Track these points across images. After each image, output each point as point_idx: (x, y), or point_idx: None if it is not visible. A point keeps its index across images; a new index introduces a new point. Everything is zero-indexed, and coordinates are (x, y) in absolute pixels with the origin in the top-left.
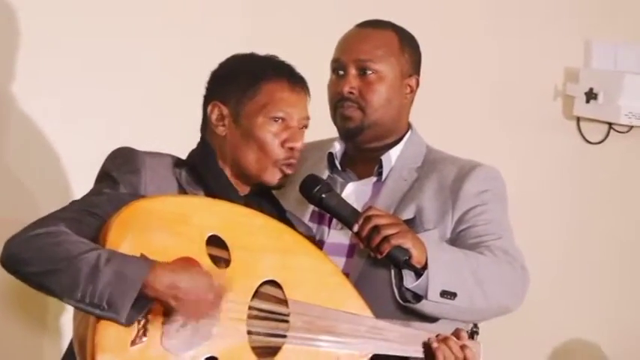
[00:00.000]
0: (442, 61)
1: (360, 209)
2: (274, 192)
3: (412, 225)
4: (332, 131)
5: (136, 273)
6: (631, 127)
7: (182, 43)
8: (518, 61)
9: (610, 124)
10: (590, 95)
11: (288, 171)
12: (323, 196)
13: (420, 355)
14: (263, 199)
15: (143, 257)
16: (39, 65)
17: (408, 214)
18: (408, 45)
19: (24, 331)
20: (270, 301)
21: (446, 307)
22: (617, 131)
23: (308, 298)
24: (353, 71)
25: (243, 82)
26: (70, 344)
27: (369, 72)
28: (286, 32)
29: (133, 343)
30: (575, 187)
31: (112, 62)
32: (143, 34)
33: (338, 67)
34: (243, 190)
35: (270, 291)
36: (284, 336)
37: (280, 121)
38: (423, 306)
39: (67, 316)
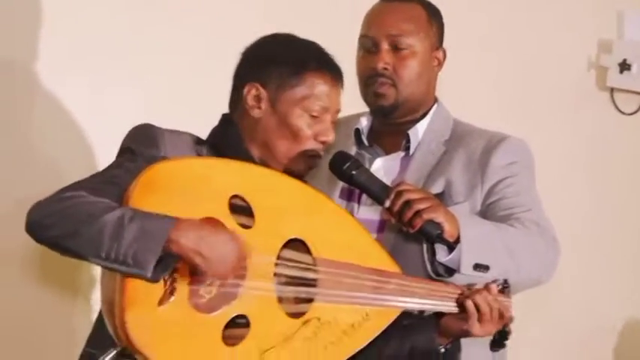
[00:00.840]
0: (475, 34)
1: (389, 184)
2: None
3: (442, 199)
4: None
5: (160, 229)
6: None
7: (212, 24)
8: (552, 33)
9: None
10: (624, 66)
11: (314, 163)
12: (353, 172)
13: (452, 309)
14: None
15: (166, 214)
16: (63, 43)
17: (437, 188)
18: (434, 17)
19: (55, 302)
20: (297, 261)
21: (478, 280)
22: None
23: (334, 255)
24: (385, 47)
25: (287, 68)
26: (100, 313)
27: (402, 47)
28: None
29: (161, 302)
30: (609, 157)
31: (138, 41)
32: (170, 14)
33: (368, 42)
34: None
35: (295, 251)
36: (312, 293)
37: (317, 114)
38: (456, 279)
39: (97, 287)
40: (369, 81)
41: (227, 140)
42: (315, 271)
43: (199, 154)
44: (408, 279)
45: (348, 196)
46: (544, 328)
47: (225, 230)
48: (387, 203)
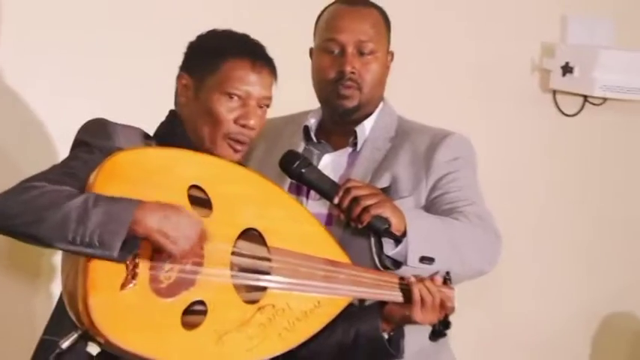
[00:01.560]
0: (420, 37)
1: (336, 179)
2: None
3: (387, 193)
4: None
5: (125, 210)
6: (605, 100)
7: (179, 24)
8: (497, 36)
9: (585, 97)
10: (566, 69)
11: (238, 147)
12: (302, 170)
13: (398, 299)
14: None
15: (129, 198)
16: (26, 42)
17: (383, 182)
18: (387, 22)
19: (16, 293)
20: (252, 250)
21: (423, 271)
22: (592, 103)
23: (288, 245)
24: (352, 51)
25: (207, 57)
26: (59, 302)
27: (367, 52)
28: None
29: (123, 286)
30: (551, 157)
31: (100, 38)
32: (133, 14)
33: (334, 46)
34: None
35: (250, 240)
36: (266, 281)
37: (237, 98)
38: (403, 272)
39: (58, 275)
40: (335, 83)
41: (171, 132)
42: (269, 259)
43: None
44: (357, 269)
45: (297, 191)
46: (496, 319)
47: (186, 211)
48: (336, 200)
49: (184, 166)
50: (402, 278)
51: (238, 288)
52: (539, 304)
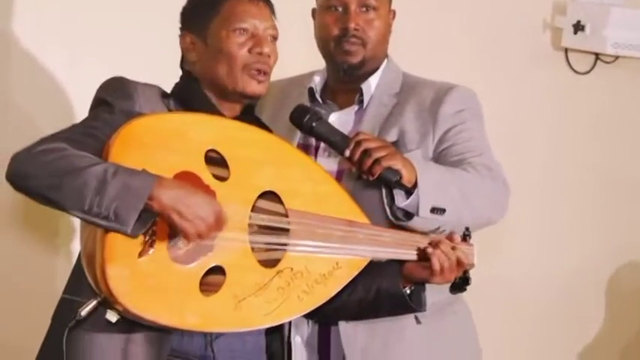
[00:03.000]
0: None
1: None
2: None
3: (395, 147)
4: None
5: (142, 185)
6: (617, 57)
7: None
8: None
9: (597, 55)
10: (578, 27)
11: (260, 77)
12: (313, 124)
13: (415, 258)
14: (251, 123)
15: (148, 172)
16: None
17: (391, 137)
18: None
19: (37, 253)
20: (270, 212)
21: (435, 222)
22: (604, 61)
23: (306, 207)
24: (356, 8)
25: (204, 6)
26: (78, 262)
27: (370, 9)
28: None
29: (141, 254)
30: (563, 115)
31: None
32: None
33: (337, 4)
34: (231, 113)
35: (268, 203)
36: (285, 244)
37: (244, 32)
38: (414, 223)
39: (78, 235)
40: (339, 40)
41: (186, 89)
42: (287, 222)
43: (168, 107)
44: (376, 229)
45: (304, 150)
46: (498, 277)
47: (206, 194)
48: (347, 152)
49: (200, 130)
50: (423, 237)
51: (257, 252)
52: (547, 259)
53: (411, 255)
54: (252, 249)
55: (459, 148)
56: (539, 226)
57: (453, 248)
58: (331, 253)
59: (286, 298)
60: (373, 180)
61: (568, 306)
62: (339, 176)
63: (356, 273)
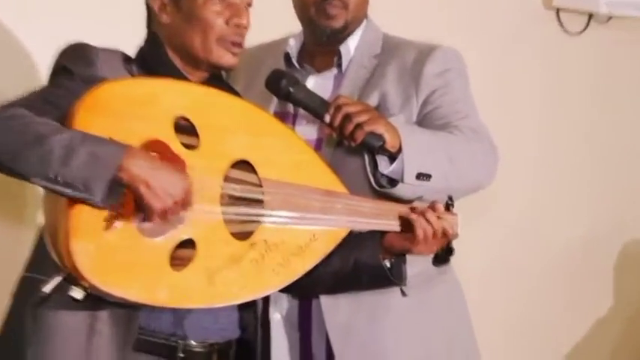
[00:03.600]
0: None
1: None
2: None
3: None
4: None
5: (112, 155)
6: (610, 17)
7: None
8: None
9: (590, 15)
10: None
11: (235, 49)
12: (291, 89)
13: (397, 228)
14: (221, 90)
15: (116, 141)
16: None
17: (372, 101)
18: None
19: (2, 225)
20: (243, 182)
21: (421, 189)
22: (597, 21)
23: (281, 176)
24: None
25: None
26: (39, 238)
27: None
28: None
29: (107, 228)
30: (554, 78)
31: None
32: None
33: None
34: (197, 78)
35: (241, 172)
36: (259, 215)
37: (220, 0)
38: (399, 190)
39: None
40: (319, 3)
41: (150, 53)
42: (261, 192)
43: (130, 73)
44: (355, 199)
45: (281, 119)
46: (488, 247)
47: (175, 166)
48: (327, 118)
49: (170, 96)
50: (403, 207)
51: (229, 224)
52: (537, 228)
53: (394, 226)
54: (225, 221)
55: (444, 110)
56: (531, 193)
57: (438, 218)
58: (308, 224)
59: (261, 271)
60: (355, 146)
61: (564, 279)
62: (318, 144)
63: (334, 245)
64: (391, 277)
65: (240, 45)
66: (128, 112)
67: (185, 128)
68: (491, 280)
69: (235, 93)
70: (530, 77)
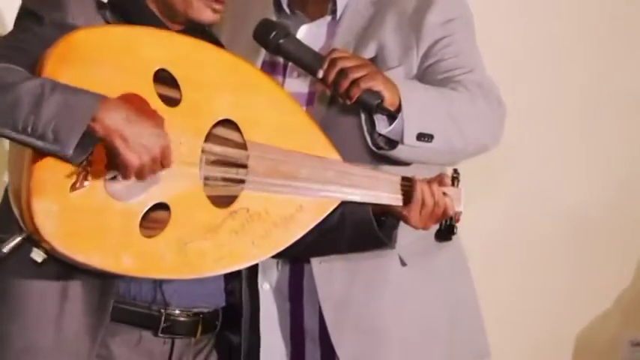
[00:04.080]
0: None
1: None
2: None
3: (374, 64)
4: None
5: (85, 105)
6: None
7: None
8: None
9: None
10: None
11: (216, 6)
12: (280, 41)
13: (395, 202)
14: (204, 36)
15: (90, 90)
16: None
17: (368, 52)
18: None
19: None
20: (227, 144)
21: (422, 150)
22: None
23: (269, 139)
24: None
25: None
26: (5, 196)
27: None
28: None
29: (74, 187)
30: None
31: None
32: None
33: None
34: (176, 29)
35: (226, 132)
36: (242, 181)
37: None
38: (399, 152)
39: None
40: None
41: (129, 1)
42: (245, 156)
43: (105, 19)
44: (349, 167)
45: (271, 69)
46: (494, 213)
47: (153, 121)
48: (320, 73)
49: (151, 47)
50: (403, 178)
51: (208, 189)
52: (550, 189)
53: (390, 198)
54: (204, 185)
55: (447, 64)
56: (544, 154)
57: (444, 194)
58: (295, 193)
59: (240, 243)
60: (351, 104)
61: (577, 248)
62: (310, 99)
63: (322, 217)
64: (379, 234)
65: (222, 2)
66: (104, 62)
67: (166, 82)
68: (497, 249)
69: (220, 44)
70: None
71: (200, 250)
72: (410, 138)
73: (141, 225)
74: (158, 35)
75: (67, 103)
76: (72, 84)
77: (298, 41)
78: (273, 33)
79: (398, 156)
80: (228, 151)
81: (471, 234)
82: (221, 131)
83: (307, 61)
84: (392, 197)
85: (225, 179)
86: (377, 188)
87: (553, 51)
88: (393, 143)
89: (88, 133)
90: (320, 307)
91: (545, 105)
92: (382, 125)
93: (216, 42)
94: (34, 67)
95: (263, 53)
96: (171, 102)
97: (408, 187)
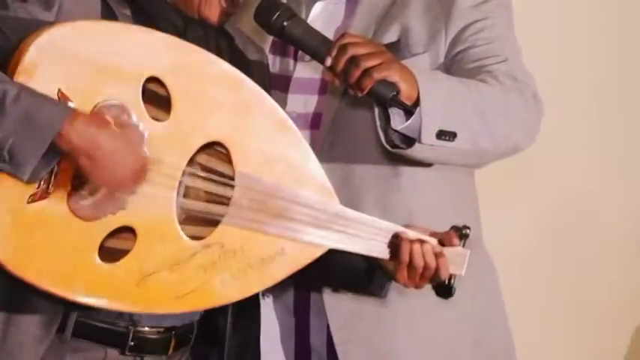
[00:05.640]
0: None
1: (331, 35)
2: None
3: (396, 49)
4: None
5: (50, 119)
6: None
7: None
8: None
9: None
10: None
11: (231, 9)
12: (285, 23)
13: (384, 256)
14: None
15: (62, 100)
16: None
17: (390, 36)
18: None
19: None
20: (212, 170)
21: (443, 150)
22: None
23: (260, 171)
24: None
25: None
26: None
27: None
28: None
29: (32, 198)
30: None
31: None
32: None
33: None
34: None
35: (214, 157)
36: (221, 214)
37: None
38: (416, 151)
39: None
40: None
41: None
42: (231, 186)
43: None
44: (344, 211)
45: (281, 51)
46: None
47: (130, 135)
48: (329, 61)
49: (145, 50)
50: (402, 231)
51: (183, 216)
52: (596, 201)
53: (380, 253)
54: (179, 211)
55: (478, 51)
56: (585, 158)
57: (437, 254)
58: (279, 234)
59: (207, 280)
60: (363, 96)
61: (623, 262)
62: (322, 87)
63: (305, 264)
64: (367, 282)
65: (234, 3)
66: (89, 61)
67: (156, 95)
68: (533, 264)
69: (222, 29)
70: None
71: (162, 284)
72: (429, 136)
73: (102, 248)
74: (155, 37)
75: (30, 116)
76: (48, 81)
77: (305, 24)
78: (277, 14)
79: (415, 156)
80: (213, 177)
81: (498, 242)
82: (208, 154)
83: (314, 47)
84: (381, 251)
85: (202, 210)
86: (370, 239)
87: (593, 45)
88: (409, 141)
89: (51, 148)
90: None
91: (580, 99)
92: (398, 121)
93: (223, 31)
94: (10, 50)
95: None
96: (160, 114)
97: (397, 240)
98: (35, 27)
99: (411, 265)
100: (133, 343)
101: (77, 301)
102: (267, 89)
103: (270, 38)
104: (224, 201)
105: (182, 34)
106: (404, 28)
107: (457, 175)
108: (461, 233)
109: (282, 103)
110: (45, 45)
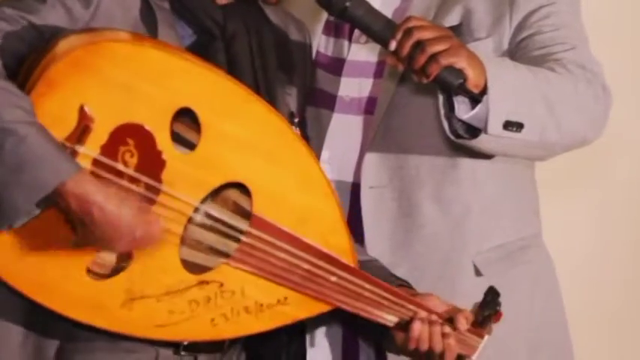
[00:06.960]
0: None
1: (390, 16)
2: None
3: (458, 33)
4: None
5: (49, 175)
6: None
7: None
8: None
9: None
10: None
11: None
12: (347, 4)
13: (390, 323)
14: (248, 8)
15: (80, 118)
16: None
17: (452, 19)
18: None
19: None
20: (227, 211)
21: (508, 141)
22: None
23: (280, 220)
24: None
25: None
26: None
27: None
28: None
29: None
30: None
31: None
32: None
33: None
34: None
35: (232, 197)
36: (227, 255)
37: None
38: (480, 142)
39: None
40: None
41: None
42: (245, 230)
43: None
44: (356, 278)
45: (335, 32)
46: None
47: (138, 204)
48: (393, 45)
49: (184, 79)
50: (416, 305)
51: (186, 249)
52: None
53: (387, 321)
54: (181, 245)
55: (545, 38)
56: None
57: (445, 335)
58: (284, 284)
59: (195, 316)
60: (427, 83)
61: None
62: (379, 70)
63: (305, 317)
64: (377, 333)
65: None
66: (122, 81)
67: (187, 125)
68: (595, 264)
69: (262, 14)
70: None
71: (147, 310)
72: (495, 126)
73: (94, 264)
74: (202, 69)
75: (27, 165)
76: (73, 95)
77: (367, 4)
78: None
79: (479, 147)
80: (226, 218)
81: (558, 240)
82: (227, 195)
83: (377, 30)
84: (390, 320)
85: (210, 247)
86: (379, 307)
87: None
88: (474, 131)
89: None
90: None
91: None
92: (463, 110)
93: (263, 16)
94: (26, 52)
95: (324, 17)
96: (185, 146)
97: (408, 318)
98: (56, 35)
99: (418, 343)
100: (187, 342)
101: (57, 313)
102: (308, 70)
103: (323, 20)
104: (233, 241)
105: (222, 28)
106: (467, 10)
107: (517, 167)
108: (482, 314)
109: (335, 86)
110: (81, 56)
